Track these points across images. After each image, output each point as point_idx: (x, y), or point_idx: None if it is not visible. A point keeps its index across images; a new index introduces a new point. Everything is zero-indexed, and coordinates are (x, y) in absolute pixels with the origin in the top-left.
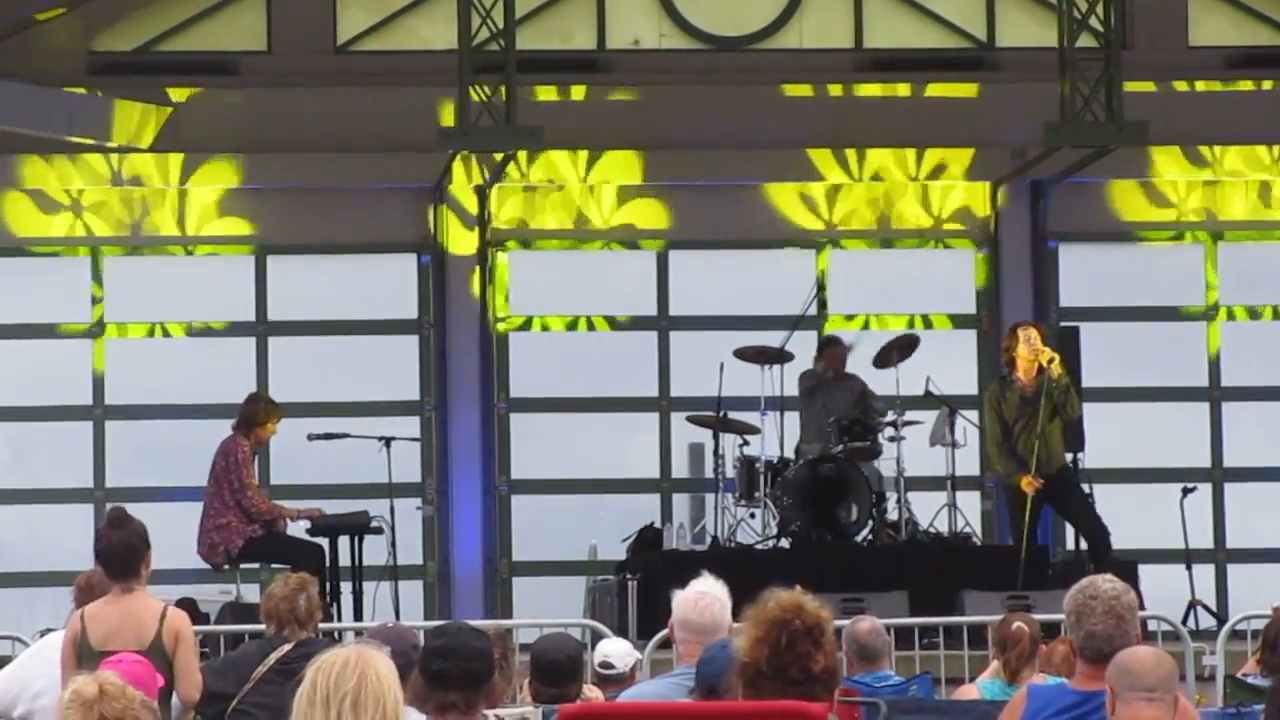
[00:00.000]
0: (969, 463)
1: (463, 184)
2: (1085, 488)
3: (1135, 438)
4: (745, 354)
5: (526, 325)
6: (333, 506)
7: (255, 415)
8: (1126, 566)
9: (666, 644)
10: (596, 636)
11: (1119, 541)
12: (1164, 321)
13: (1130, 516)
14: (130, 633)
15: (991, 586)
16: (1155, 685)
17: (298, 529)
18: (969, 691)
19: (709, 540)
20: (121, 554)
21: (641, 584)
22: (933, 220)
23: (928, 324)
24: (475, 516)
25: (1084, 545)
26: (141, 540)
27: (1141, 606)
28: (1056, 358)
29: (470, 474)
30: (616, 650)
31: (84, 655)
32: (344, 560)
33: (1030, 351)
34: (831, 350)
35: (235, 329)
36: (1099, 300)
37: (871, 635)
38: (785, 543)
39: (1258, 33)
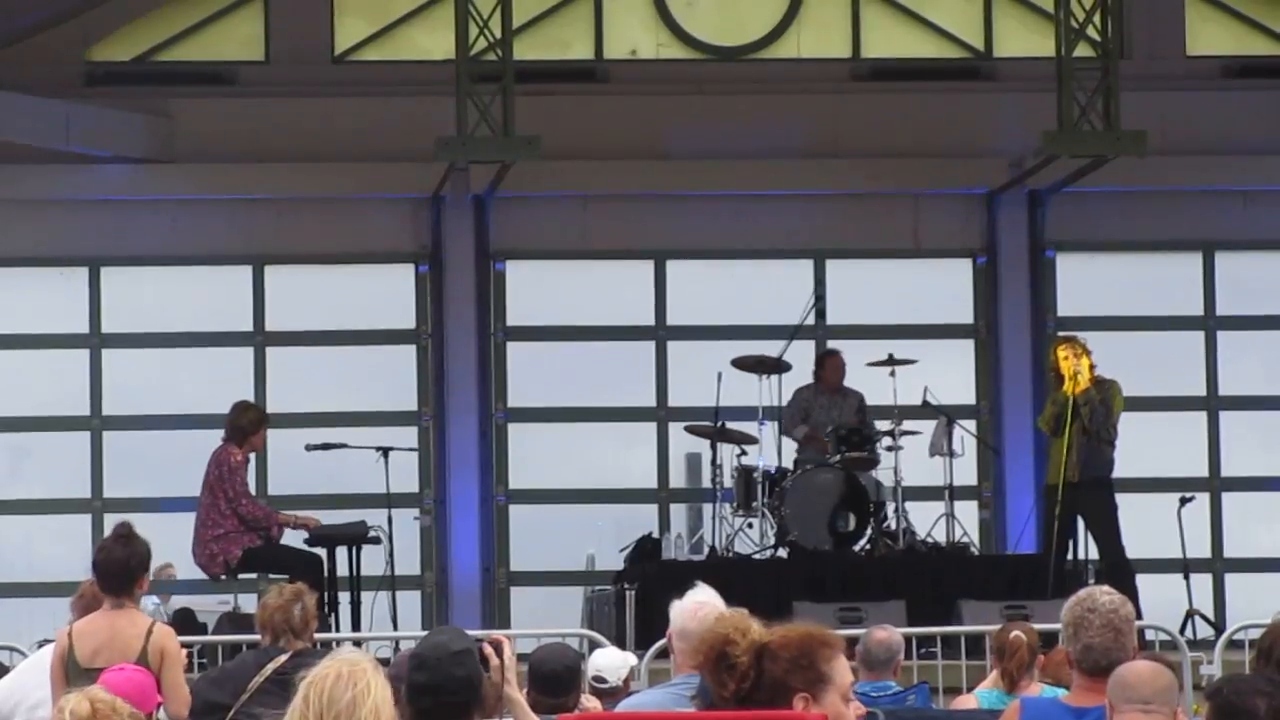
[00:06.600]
0: (967, 472)
1: (460, 193)
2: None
3: (1133, 447)
4: (744, 363)
5: (524, 335)
6: (330, 517)
7: (246, 424)
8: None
9: (665, 654)
10: (594, 646)
11: None
12: (1161, 331)
13: (1128, 526)
14: (117, 649)
15: (989, 596)
16: (1151, 697)
17: (296, 539)
18: (967, 701)
19: (707, 550)
20: (118, 571)
21: (639, 594)
22: (930, 229)
23: (924, 333)
24: (473, 526)
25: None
26: (140, 562)
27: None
28: (1083, 373)
29: (468, 484)
30: (608, 663)
31: (72, 672)
32: (342, 570)
33: (1066, 364)
34: (830, 361)
35: (233, 339)
36: (1096, 310)
37: (880, 646)
38: (783, 552)
39: (1255, 42)
